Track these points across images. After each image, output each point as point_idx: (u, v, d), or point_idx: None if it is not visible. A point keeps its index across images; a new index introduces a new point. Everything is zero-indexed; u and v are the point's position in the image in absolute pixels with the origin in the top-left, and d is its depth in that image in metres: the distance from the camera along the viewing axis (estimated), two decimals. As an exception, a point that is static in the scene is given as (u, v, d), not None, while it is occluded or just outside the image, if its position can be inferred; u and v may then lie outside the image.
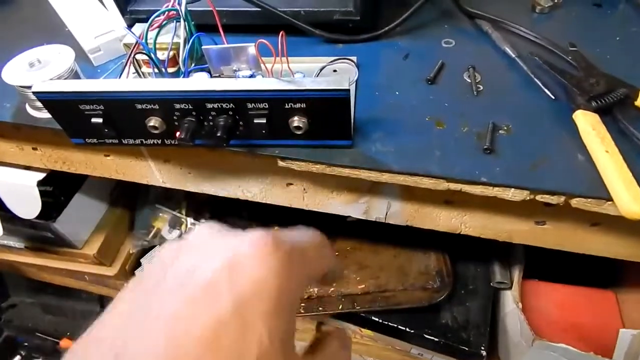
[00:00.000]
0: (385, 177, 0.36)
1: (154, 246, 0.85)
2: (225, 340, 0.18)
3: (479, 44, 0.46)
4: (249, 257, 0.19)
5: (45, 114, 0.42)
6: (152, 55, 0.37)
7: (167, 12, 0.38)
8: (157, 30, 0.38)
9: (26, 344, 1.22)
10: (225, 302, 0.18)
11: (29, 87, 0.40)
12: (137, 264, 0.85)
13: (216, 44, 0.38)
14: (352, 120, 0.38)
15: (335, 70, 0.44)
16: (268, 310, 0.19)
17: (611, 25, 0.48)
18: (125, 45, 0.41)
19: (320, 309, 0.64)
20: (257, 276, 0.19)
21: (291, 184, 0.44)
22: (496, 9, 0.48)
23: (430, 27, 0.50)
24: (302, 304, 0.65)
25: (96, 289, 0.90)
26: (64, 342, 1.17)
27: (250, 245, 0.19)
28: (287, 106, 0.33)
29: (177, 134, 0.35)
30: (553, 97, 0.39)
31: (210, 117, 0.34)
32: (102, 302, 1.09)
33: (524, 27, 0.46)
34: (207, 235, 0.21)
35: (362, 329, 0.70)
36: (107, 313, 0.19)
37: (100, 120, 0.35)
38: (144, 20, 0.46)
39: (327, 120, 0.34)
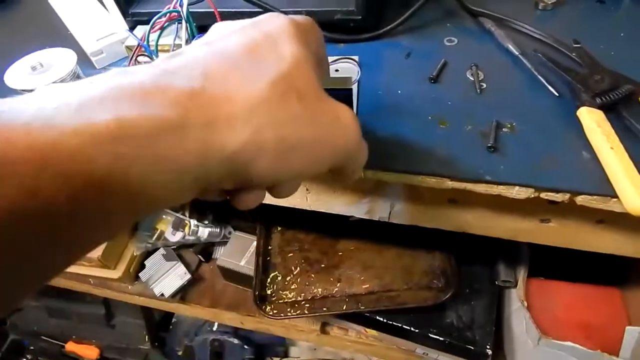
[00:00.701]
0: (388, 177, 0.36)
1: (158, 248, 0.85)
2: (261, 51, 0.22)
3: (482, 42, 0.46)
4: (265, 19, 0.24)
5: (48, 117, 0.42)
6: (154, 57, 0.37)
7: (168, 14, 0.38)
8: (158, 32, 0.38)
9: (32, 347, 1.22)
10: (256, 34, 0.23)
11: (31, 91, 0.40)
12: (141, 267, 0.86)
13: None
14: (355, 120, 0.38)
15: (337, 70, 0.43)
16: (291, 36, 0.23)
17: (615, 21, 0.47)
18: (127, 47, 0.42)
19: (325, 309, 0.64)
20: (275, 24, 0.24)
21: (294, 184, 0.44)
22: (499, 7, 0.48)
23: (432, 25, 0.49)
24: (307, 305, 0.65)
25: (100, 292, 0.90)
26: (69, 346, 1.18)
27: (264, 16, 0.25)
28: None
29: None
30: (557, 95, 0.39)
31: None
32: (107, 304, 1.09)
33: (527, 25, 0.46)
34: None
35: (367, 329, 0.70)
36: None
37: (103, 122, 0.35)
38: (146, 23, 0.46)
39: (330, 120, 0.34)
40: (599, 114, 0.35)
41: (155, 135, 0.18)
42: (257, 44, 0.23)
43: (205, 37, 0.24)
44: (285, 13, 0.45)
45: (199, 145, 0.19)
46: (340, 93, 0.32)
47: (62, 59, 0.42)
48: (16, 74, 0.41)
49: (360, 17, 0.45)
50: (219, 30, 0.24)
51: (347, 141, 0.25)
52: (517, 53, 0.43)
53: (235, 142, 0.20)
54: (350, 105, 0.33)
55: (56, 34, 0.52)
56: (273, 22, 0.24)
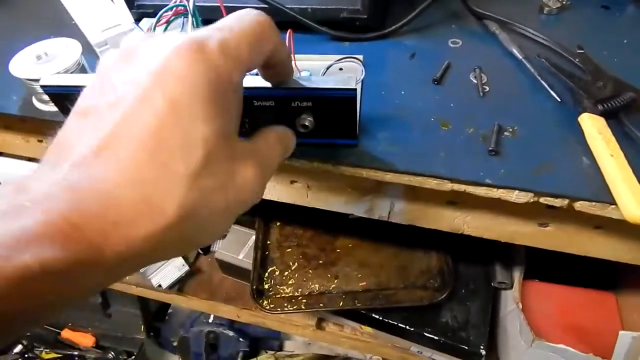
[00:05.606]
0: (389, 177, 0.37)
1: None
2: (170, 142, 0.20)
3: (486, 45, 0.46)
4: (177, 65, 0.20)
5: (52, 107, 0.42)
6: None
7: (175, 8, 0.38)
8: (164, 25, 0.38)
9: (28, 334, 1.23)
10: (161, 107, 0.20)
11: (36, 80, 0.40)
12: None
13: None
14: (358, 120, 0.38)
15: (341, 69, 0.44)
16: (205, 112, 0.20)
17: (619, 27, 0.48)
18: (133, 40, 0.41)
19: (321, 305, 0.64)
20: (187, 82, 0.20)
21: (295, 181, 0.45)
22: (504, 10, 0.48)
23: (437, 26, 0.49)
24: (303, 300, 0.65)
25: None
26: (65, 333, 1.18)
27: (176, 54, 0.20)
28: (293, 104, 0.33)
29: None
30: (559, 100, 0.39)
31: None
32: (104, 294, 1.10)
33: (531, 29, 0.46)
34: (138, 44, 0.22)
35: (362, 326, 0.71)
36: (62, 129, 0.22)
37: (106, 114, 0.35)
38: (151, 15, 0.47)
39: (333, 119, 0.34)
40: (601, 121, 0.36)
41: (76, 273, 0.18)
42: (161, 126, 0.20)
43: (96, 103, 0.21)
44: (291, 10, 0.45)
45: (117, 262, 0.19)
46: (345, 93, 0.32)
47: (67, 49, 0.42)
48: (21, 62, 0.41)
49: (365, 16, 0.45)
50: (106, 92, 0.21)
51: (244, 200, 0.24)
52: (520, 57, 0.43)
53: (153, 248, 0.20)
54: (354, 106, 0.33)
55: (60, 23, 0.52)
56: (184, 76, 0.20)
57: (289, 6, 0.45)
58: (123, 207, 0.19)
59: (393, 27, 0.47)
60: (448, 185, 0.36)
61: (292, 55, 0.36)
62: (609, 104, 0.36)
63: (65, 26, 0.52)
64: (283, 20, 0.45)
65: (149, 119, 0.20)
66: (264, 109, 0.34)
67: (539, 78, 0.41)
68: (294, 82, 0.32)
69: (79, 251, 0.18)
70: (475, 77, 0.42)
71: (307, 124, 0.34)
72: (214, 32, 0.22)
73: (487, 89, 0.41)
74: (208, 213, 0.22)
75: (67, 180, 0.19)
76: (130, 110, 0.20)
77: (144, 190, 0.19)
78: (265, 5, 0.45)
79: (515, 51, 0.44)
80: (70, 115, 0.22)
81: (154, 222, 0.20)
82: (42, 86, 0.34)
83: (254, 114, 0.34)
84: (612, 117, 0.36)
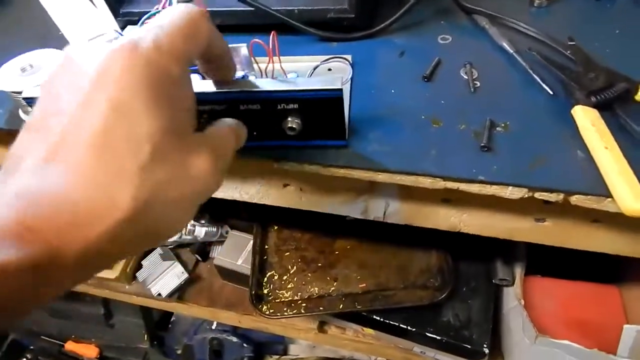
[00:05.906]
0: (381, 177, 0.36)
1: (155, 248, 0.85)
2: (116, 140, 0.21)
3: (476, 40, 0.46)
4: (114, 66, 0.21)
5: (38, 119, 0.42)
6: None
7: (157, 14, 0.37)
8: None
9: (32, 347, 1.22)
10: (104, 109, 0.21)
11: (21, 93, 0.40)
12: (138, 266, 0.86)
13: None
14: (347, 120, 0.37)
15: (330, 69, 0.43)
16: (148, 108, 0.21)
17: (610, 18, 0.47)
18: (117, 48, 0.41)
19: (321, 308, 0.64)
20: (125, 82, 0.21)
21: (288, 184, 0.44)
22: (494, 4, 0.47)
23: (426, 23, 0.49)
24: (303, 304, 0.64)
25: (99, 292, 0.90)
26: (69, 345, 1.18)
27: (112, 56, 0.21)
28: (279, 107, 0.33)
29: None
30: (552, 93, 0.38)
31: (202, 120, 0.34)
32: (106, 304, 1.09)
33: (522, 22, 0.45)
34: (76, 52, 0.23)
35: (364, 328, 0.70)
36: (14, 144, 0.22)
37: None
38: (137, 23, 0.46)
39: (321, 120, 0.34)
40: (594, 113, 0.35)
41: (36, 273, 0.18)
42: (106, 127, 0.21)
43: (43, 120, 0.22)
44: (278, 12, 0.45)
45: (79, 260, 0.20)
46: (330, 94, 0.31)
47: (52, 60, 0.41)
48: (5, 75, 0.40)
49: (353, 16, 0.45)
50: (51, 102, 0.22)
51: (200, 190, 0.25)
52: (511, 51, 0.42)
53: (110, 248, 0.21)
54: (341, 106, 0.33)
55: (47, 34, 0.52)
56: (121, 76, 0.21)
57: (275, 8, 0.45)
58: (77, 208, 0.20)
59: (381, 25, 0.47)
60: (441, 184, 0.35)
61: (278, 57, 0.36)
62: (602, 96, 0.36)
63: (52, 37, 0.51)
64: (270, 23, 0.45)
65: (93, 122, 0.21)
66: (250, 113, 0.33)
67: (531, 71, 0.40)
68: (280, 85, 0.32)
69: (36, 251, 0.18)
70: (465, 73, 0.42)
71: (294, 126, 0.34)
72: (145, 32, 0.23)
73: (478, 84, 0.41)
74: (162, 205, 0.22)
75: (19, 189, 0.20)
76: (75, 116, 0.21)
77: (96, 190, 0.20)
78: (251, 8, 0.45)
79: (505, 45, 0.43)
80: (21, 130, 0.22)
81: (110, 218, 0.20)
82: (24, 98, 0.34)
83: (240, 117, 0.34)
84: (605, 108, 0.36)
